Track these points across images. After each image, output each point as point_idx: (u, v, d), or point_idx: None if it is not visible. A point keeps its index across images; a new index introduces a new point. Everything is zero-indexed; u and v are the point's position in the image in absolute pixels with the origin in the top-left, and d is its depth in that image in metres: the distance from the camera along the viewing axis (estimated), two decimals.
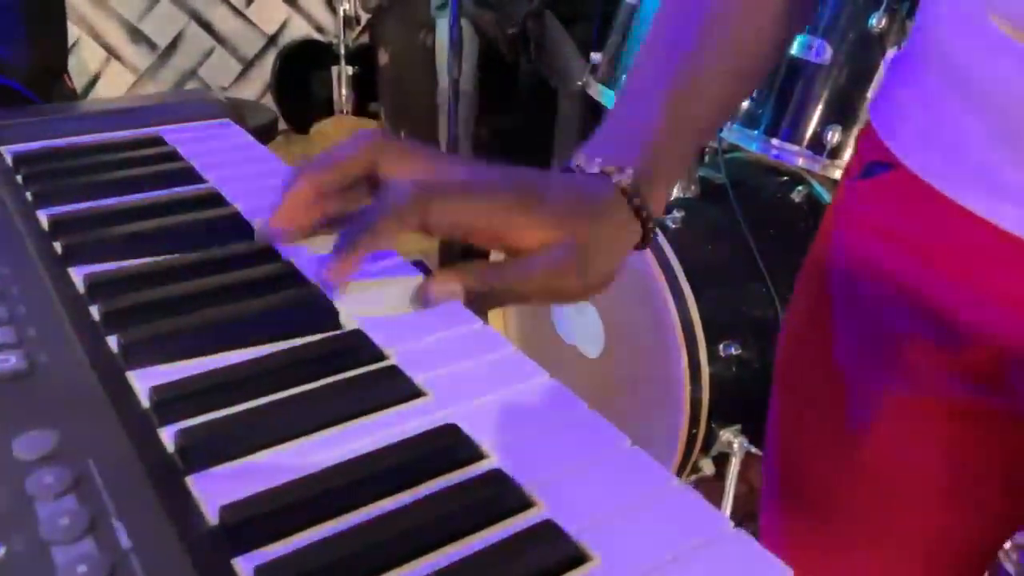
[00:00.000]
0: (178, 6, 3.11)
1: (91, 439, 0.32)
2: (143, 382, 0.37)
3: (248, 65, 3.25)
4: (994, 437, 0.58)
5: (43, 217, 0.49)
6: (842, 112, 1.44)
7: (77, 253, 0.46)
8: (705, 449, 1.51)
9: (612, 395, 1.61)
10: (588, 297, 0.51)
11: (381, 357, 0.40)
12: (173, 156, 0.58)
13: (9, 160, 0.56)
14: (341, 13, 3.10)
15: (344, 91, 3.15)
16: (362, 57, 3.15)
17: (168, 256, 0.46)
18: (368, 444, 0.34)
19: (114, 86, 3.07)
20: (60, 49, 1.72)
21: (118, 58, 3.07)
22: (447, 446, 0.34)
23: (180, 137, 0.61)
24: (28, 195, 0.52)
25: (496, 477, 0.32)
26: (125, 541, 0.28)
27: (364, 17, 3.18)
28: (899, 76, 0.58)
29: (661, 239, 1.53)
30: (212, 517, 0.30)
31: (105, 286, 0.43)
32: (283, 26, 3.27)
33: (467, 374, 0.39)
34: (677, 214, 1.55)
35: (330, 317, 0.42)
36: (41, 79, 1.57)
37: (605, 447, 0.35)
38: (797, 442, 0.66)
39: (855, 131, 1.43)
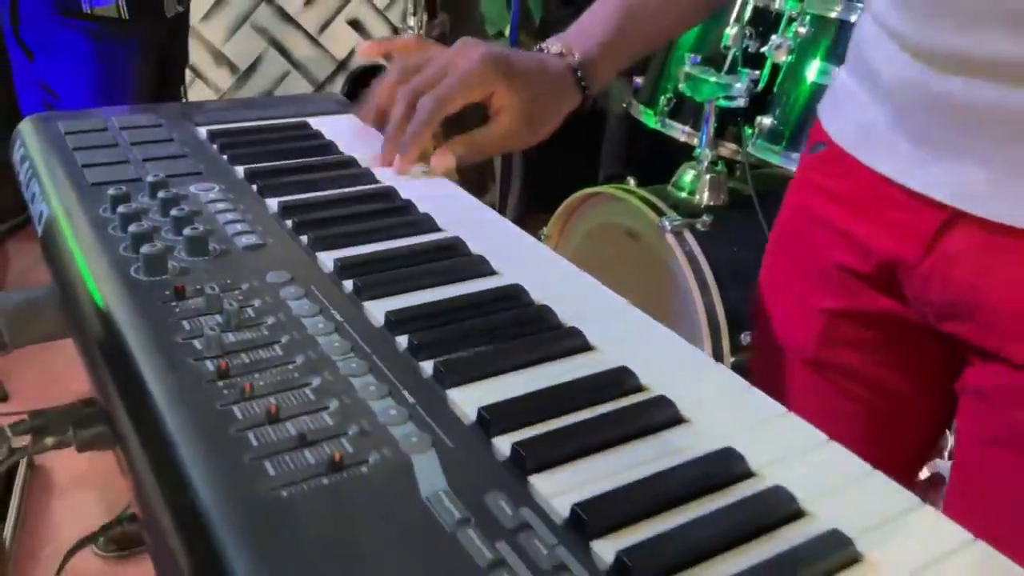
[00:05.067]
0: (258, 33, 3.39)
1: (308, 276, 0.55)
2: (326, 258, 0.59)
3: (319, 87, 3.52)
4: (896, 335, 0.78)
5: (239, 169, 0.73)
6: None
7: (269, 189, 0.69)
8: None
9: None
10: (534, 143, 0.79)
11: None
12: (318, 136, 0.81)
13: (204, 134, 0.80)
14: None
15: None
16: None
17: (336, 192, 0.70)
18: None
19: None
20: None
21: (202, 79, 3.36)
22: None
23: (319, 124, 0.84)
24: (225, 156, 0.75)
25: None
26: (343, 325, 0.50)
27: None
28: (836, 81, 0.80)
29: (691, 239, 1.72)
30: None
31: (293, 209, 0.66)
32: (352, 52, 3.53)
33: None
34: (707, 218, 1.74)
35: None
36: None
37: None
38: (771, 362, 0.87)
39: None
